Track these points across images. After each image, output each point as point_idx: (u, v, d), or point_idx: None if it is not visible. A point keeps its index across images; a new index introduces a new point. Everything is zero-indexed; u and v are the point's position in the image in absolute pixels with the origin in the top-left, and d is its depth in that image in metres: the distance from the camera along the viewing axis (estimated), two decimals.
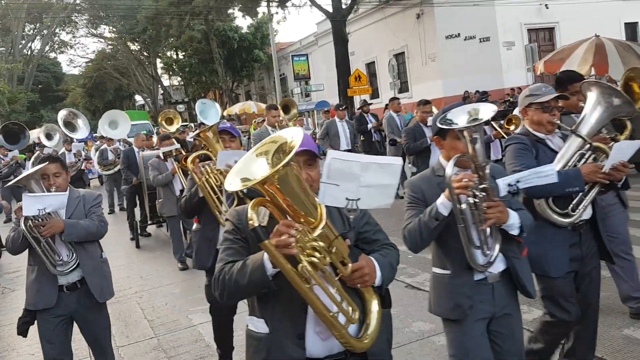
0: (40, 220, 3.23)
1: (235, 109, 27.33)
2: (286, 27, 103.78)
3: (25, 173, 3.42)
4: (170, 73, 43.19)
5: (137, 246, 9.07)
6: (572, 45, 11.54)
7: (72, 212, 3.42)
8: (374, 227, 2.19)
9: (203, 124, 12.72)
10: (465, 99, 21.24)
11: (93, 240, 3.52)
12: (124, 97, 48.35)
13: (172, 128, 11.73)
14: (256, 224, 1.63)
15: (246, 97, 44.82)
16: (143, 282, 7.00)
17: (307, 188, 1.74)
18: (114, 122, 14.03)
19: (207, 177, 3.59)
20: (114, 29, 39.42)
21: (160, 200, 7.44)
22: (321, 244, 1.71)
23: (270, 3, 27.68)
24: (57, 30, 40.06)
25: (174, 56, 41.27)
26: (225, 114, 27.96)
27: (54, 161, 3.45)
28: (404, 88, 25.29)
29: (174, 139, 7.67)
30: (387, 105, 11.38)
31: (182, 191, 6.49)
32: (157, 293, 6.46)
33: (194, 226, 3.93)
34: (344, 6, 24.50)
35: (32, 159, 11.84)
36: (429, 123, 6.69)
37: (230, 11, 31.59)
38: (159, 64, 42.83)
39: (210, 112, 12.14)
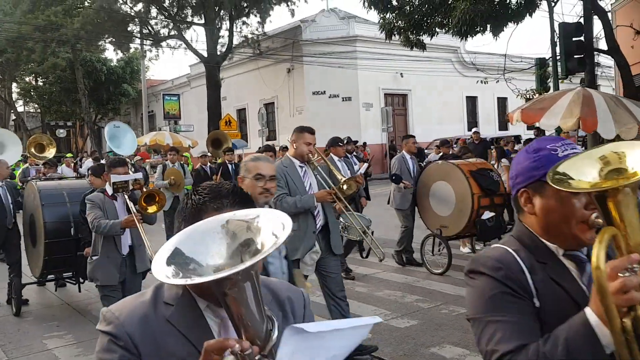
0: None
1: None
2: (158, 64, 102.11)
3: None
4: (27, 99, 40.40)
5: (17, 313, 6.53)
6: (553, 94, 10.21)
7: None
8: None
9: (115, 153, 10.25)
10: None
11: None
12: None
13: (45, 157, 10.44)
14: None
15: None
16: None
17: None
18: (0, 144, 10.55)
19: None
20: None
21: (95, 259, 4.75)
22: None
23: (144, 41, 27.68)
24: None
25: (33, 82, 38.84)
26: None
27: None
28: (272, 136, 26.42)
29: (130, 166, 5.27)
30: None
31: (132, 247, 4.78)
32: (8, 321, 6.38)
33: None
34: (218, 53, 25.33)
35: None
36: None
37: (100, 42, 30.87)
38: (15, 88, 39.93)
39: (125, 139, 9.88)
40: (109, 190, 4.75)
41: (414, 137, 8.39)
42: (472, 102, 30.89)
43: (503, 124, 32.06)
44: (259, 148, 7.57)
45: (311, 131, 4.60)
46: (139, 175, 4.90)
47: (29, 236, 6.71)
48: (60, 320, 6.31)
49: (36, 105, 41.15)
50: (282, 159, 4.88)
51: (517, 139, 18.38)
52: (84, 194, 5.27)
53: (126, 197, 4.65)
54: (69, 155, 20.30)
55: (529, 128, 28.68)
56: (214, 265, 1.09)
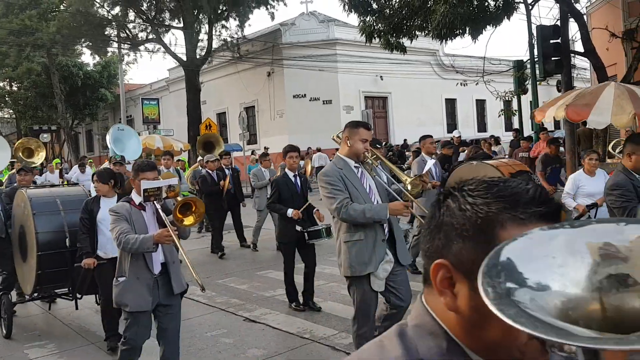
0: None
1: None
2: (136, 68, 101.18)
3: None
4: (2, 105, 39.65)
5: (8, 335, 5.83)
6: (591, 89, 9.41)
7: None
8: None
9: (123, 157, 9.64)
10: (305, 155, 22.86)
11: None
12: None
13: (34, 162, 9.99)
14: None
15: (87, 136, 42.67)
16: None
17: None
18: None
19: None
20: None
21: (122, 281, 3.91)
22: None
23: (122, 45, 27.39)
24: None
25: (8, 87, 38.15)
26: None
27: None
28: (252, 140, 26.35)
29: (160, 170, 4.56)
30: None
31: (165, 265, 3.94)
32: None
33: None
34: (198, 56, 25.18)
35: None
36: None
37: (76, 47, 30.48)
38: None
39: (129, 142, 9.22)
40: (136, 199, 3.95)
41: (431, 136, 7.43)
42: (451, 104, 31.25)
43: (482, 125, 32.50)
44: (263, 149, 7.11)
45: (367, 126, 3.98)
46: (174, 181, 4.14)
47: (18, 250, 6.00)
48: (41, 329, 6.18)
49: (11, 111, 40.41)
50: (333, 160, 4.17)
51: (497, 140, 18.57)
52: (85, 200, 4.93)
53: (158, 206, 3.87)
54: (56, 161, 19.84)
55: (506, 130, 29.08)
56: (573, 300, 0.70)
